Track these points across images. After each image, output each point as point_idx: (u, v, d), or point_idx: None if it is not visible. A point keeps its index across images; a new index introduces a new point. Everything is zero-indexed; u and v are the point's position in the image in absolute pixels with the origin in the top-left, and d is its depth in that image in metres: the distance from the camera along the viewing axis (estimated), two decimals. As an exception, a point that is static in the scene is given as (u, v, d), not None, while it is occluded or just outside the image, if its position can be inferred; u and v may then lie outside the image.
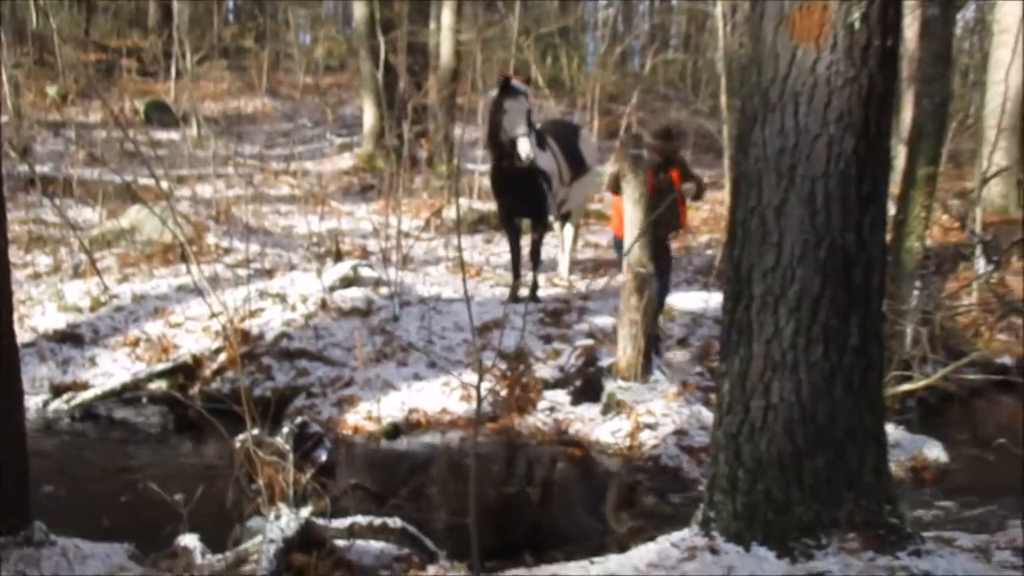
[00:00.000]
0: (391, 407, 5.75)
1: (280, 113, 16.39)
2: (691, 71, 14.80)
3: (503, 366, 6.15)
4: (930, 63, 5.53)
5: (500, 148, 6.66)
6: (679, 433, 5.25)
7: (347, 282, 6.93)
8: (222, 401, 5.58)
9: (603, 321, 6.89)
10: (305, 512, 2.76)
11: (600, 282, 8.29)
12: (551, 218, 7.41)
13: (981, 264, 7.05)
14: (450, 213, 10.40)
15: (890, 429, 5.32)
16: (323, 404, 5.84)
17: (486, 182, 12.10)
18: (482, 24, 13.09)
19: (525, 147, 6.49)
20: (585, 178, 7.61)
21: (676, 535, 2.96)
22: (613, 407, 5.66)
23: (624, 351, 5.86)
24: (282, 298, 6.74)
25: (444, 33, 13.70)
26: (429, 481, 4.95)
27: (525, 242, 7.21)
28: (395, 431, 5.59)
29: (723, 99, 12.14)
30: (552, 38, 16.00)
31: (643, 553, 2.89)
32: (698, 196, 6.43)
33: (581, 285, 8.00)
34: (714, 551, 2.77)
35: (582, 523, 4.46)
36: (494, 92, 6.74)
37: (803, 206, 2.67)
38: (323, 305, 6.69)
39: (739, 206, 2.82)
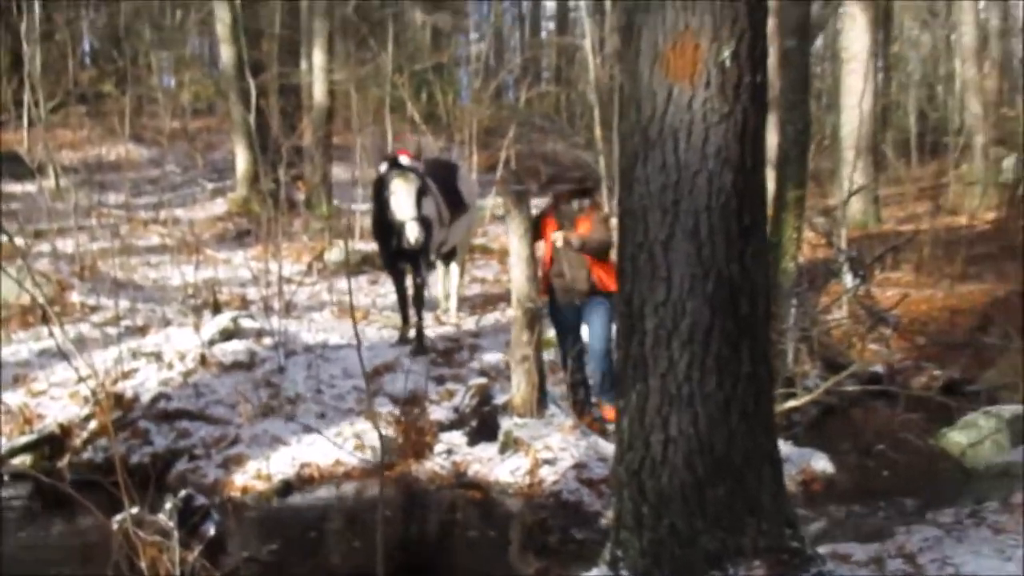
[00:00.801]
0: (281, 463, 5.50)
1: (146, 159, 15.73)
2: (565, 103, 15.11)
3: (397, 411, 6.03)
4: (790, 91, 5.80)
5: (387, 226, 6.64)
6: (578, 467, 5.23)
7: (227, 335, 6.64)
8: (94, 473, 5.33)
9: (494, 358, 6.86)
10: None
11: (489, 318, 8.27)
12: (432, 258, 7.36)
13: (848, 279, 7.42)
14: (332, 256, 10.19)
15: (779, 445, 5.51)
16: (208, 466, 5.53)
17: (367, 222, 12.01)
18: (354, 63, 12.97)
19: (413, 232, 6.45)
20: (465, 216, 7.62)
21: (585, 576, 2.92)
22: (511, 445, 5.60)
23: (518, 387, 5.83)
24: (157, 356, 6.38)
25: (316, 73, 13.53)
26: (327, 540, 4.75)
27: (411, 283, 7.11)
28: (287, 488, 5.35)
29: (597, 131, 12.49)
30: (426, 74, 16.04)
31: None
32: (593, 250, 5.65)
33: (470, 322, 7.95)
34: (625, 591, 2.74)
35: (489, 568, 4.36)
36: (383, 167, 6.64)
37: (689, 240, 2.71)
38: (203, 361, 6.38)
39: (627, 241, 2.84)
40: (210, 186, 14.80)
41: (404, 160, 6.65)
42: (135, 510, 2.89)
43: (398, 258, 6.86)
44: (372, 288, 9.60)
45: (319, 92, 13.60)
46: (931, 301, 9.06)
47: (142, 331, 6.98)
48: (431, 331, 7.40)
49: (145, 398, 6.04)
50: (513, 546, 4.65)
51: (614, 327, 5.32)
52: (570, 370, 5.72)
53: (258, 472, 5.41)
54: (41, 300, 5.64)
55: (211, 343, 6.53)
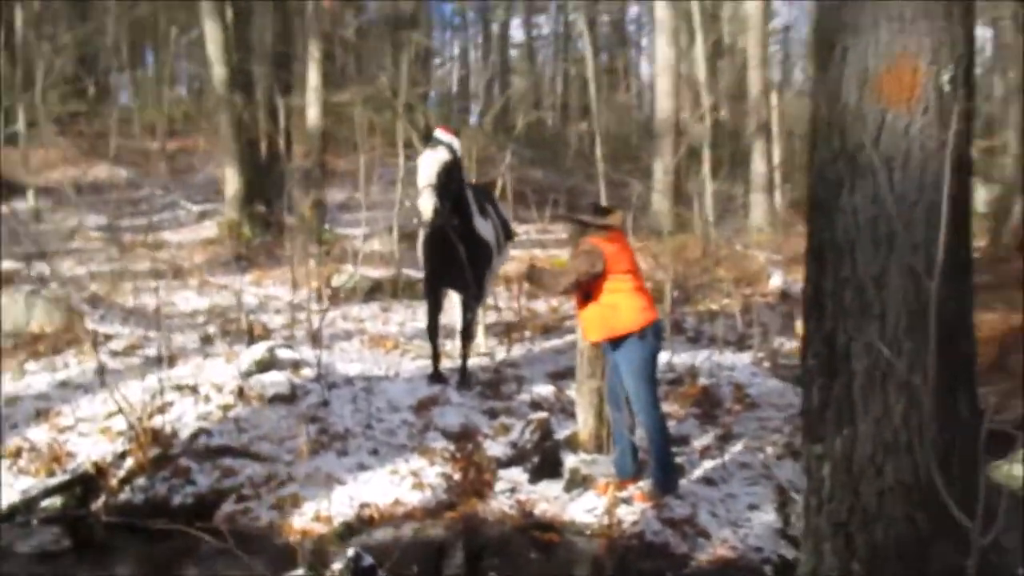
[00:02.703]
0: (339, 504, 5.17)
1: (124, 181, 15.21)
2: (559, 131, 15.05)
3: (451, 447, 5.76)
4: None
5: (428, 233, 6.23)
6: (658, 506, 5.01)
7: (264, 366, 6.28)
8: (133, 516, 4.95)
9: (544, 389, 6.61)
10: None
11: (518, 347, 8.05)
12: (488, 288, 6.95)
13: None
14: (340, 281, 9.86)
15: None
16: (259, 508, 5.17)
17: (371, 247, 11.70)
18: (353, 86, 12.73)
19: (425, 203, 5.85)
20: (508, 243, 7.31)
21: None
22: (579, 483, 5.35)
23: (585, 422, 5.60)
24: (193, 389, 6.01)
25: (310, 95, 13.24)
26: None
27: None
28: (348, 531, 5.02)
29: (599, 162, 12.41)
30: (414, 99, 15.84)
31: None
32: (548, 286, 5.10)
33: (500, 351, 7.70)
34: (837, 654, 2.53)
35: None
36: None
37: (905, 276, 2.54)
38: (240, 394, 6.02)
39: (826, 276, 2.66)
40: (195, 208, 14.35)
41: (438, 133, 6.18)
42: (300, 572, 2.60)
43: (442, 281, 6.44)
44: (387, 316, 9.29)
45: (313, 114, 13.31)
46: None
47: (170, 362, 6.59)
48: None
49: (184, 433, 5.67)
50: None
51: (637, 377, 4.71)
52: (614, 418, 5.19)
53: (317, 514, 5.07)
54: (90, 328, 5.19)
55: (247, 375, 6.18)
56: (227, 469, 5.46)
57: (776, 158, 16.15)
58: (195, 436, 5.65)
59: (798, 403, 6.56)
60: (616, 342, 4.99)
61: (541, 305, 10.21)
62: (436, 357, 6.58)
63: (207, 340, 7.35)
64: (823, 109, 2.68)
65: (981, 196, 15.57)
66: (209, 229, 13.21)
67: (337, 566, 2.62)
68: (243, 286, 10.21)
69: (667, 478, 5.00)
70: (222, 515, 5.20)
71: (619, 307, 4.88)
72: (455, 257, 6.18)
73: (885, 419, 2.54)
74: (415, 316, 9.28)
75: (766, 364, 7.53)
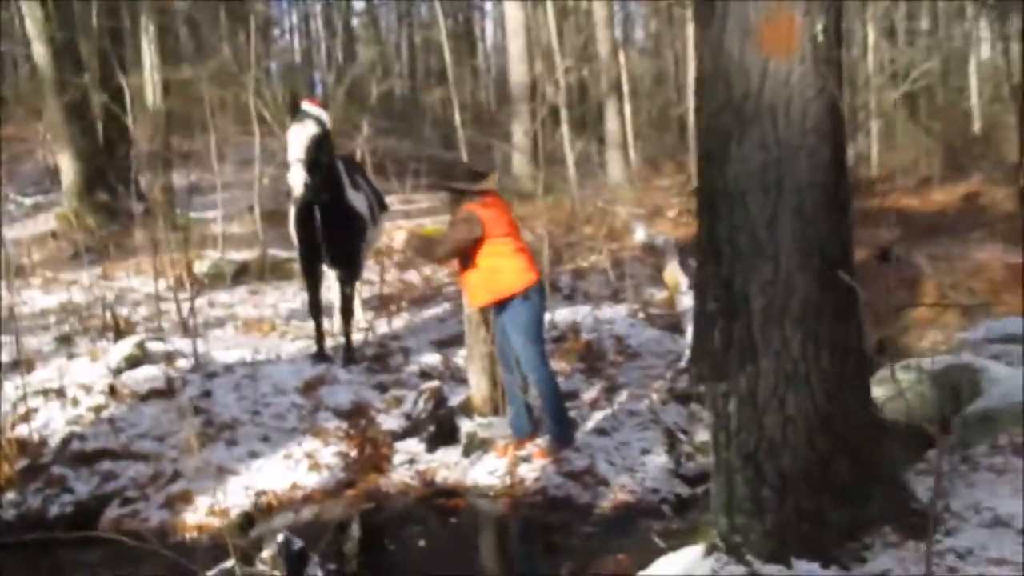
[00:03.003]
0: (234, 495, 4.99)
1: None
2: (411, 99, 14.86)
3: (344, 425, 5.68)
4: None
5: (300, 207, 6.04)
6: (557, 460, 5.13)
7: (134, 361, 5.96)
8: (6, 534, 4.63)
9: (431, 359, 6.61)
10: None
11: (399, 319, 7.99)
12: (362, 267, 6.83)
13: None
14: (202, 268, 9.43)
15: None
16: (148, 508, 4.92)
17: (229, 229, 11.23)
18: (194, 62, 12.09)
19: (295, 177, 5.73)
20: (382, 216, 7.18)
21: (701, 565, 2.84)
22: (477, 447, 5.40)
23: (478, 386, 5.64)
24: (58, 392, 5.63)
25: (148, 73, 12.50)
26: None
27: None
28: (249, 521, 4.88)
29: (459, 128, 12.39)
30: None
31: (679, 596, 2.74)
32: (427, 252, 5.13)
33: (381, 325, 7.62)
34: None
35: None
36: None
37: (794, 218, 2.69)
38: (111, 392, 5.70)
39: (721, 223, 2.78)
40: (28, 201, 13.32)
41: (306, 106, 5.98)
42: (230, 563, 2.50)
43: (318, 258, 6.25)
44: (257, 299, 8.98)
45: (153, 93, 12.58)
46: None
47: (26, 366, 6.11)
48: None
49: (54, 440, 5.32)
50: (522, 551, 4.49)
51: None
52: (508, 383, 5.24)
53: (211, 508, 4.89)
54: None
55: (117, 372, 5.85)
56: (107, 473, 5.17)
57: (628, 116, 16.60)
58: (66, 442, 5.32)
59: (676, 350, 6.88)
60: (501, 304, 5.02)
61: (414, 275, 10.14)
62: (320, 336, 6.44)
63: (65, 340, 6.87)
64: (708, 62, 2.78)
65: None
66: (46, 223, 12.30)
67: (268, 553, 2.54)
68: (94, 280, 9.62)
69: (563, 432, 5.12)
70: (107, 521, 4.92)
71: (501, 270, 4.91)
72: (329, 233, 6.07)
73: (784, 353, 2.70)
74: (286, 297, 9.03)
75: (641, 315, 7.81)
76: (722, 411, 2.83)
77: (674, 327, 7.61)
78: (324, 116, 6.00)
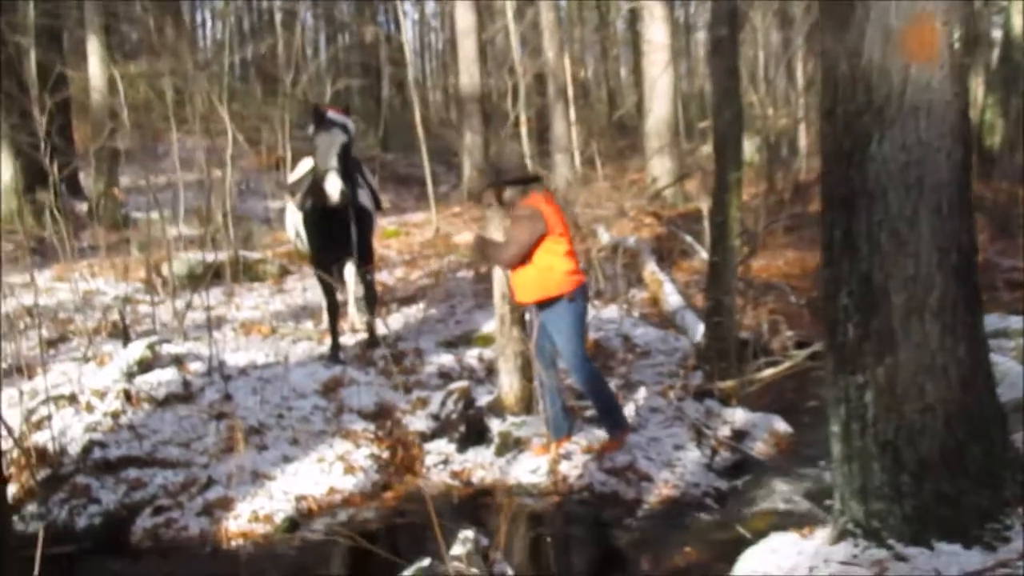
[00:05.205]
0: (276, 500, 4.90)
1: None
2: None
3: (371, 427, 5.61)
4: (724, 78, 6.15)
5: (320, 207, 6.11)
6: (598, 457, 5.19)
7: (145, 365, 5.72)
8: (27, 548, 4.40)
9: (446, 359, 6.58)
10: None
11: (393, 318, 7.91)
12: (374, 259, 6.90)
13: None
14: (174, 270, 9.07)
15: (737, 413, 5.84)
16: (184, 516, 4.77)
17: (182, 230, 10.83)
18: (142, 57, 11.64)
19: (333, 184, 5.94)
20: (379, 213, 7.19)
21: (835, 551, 2.95)
22: (511, 446, 5.43)
23: (511, 386, 5.66)
24: (71, 399, 5.36)
25: (93, 69, 11.97)
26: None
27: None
28: (294, 526, 4.78)
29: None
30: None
31: (824, 581, 2.84)
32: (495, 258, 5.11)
33: (380, 326, 7.52)
34: (901, 558, 2.82)
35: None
36: (311, 129, 6.10)
37: (933, 216, 2.83)
38: (127, 398, 5.46)
39: (858, 220, 2.90)
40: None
41: (331, 114, 6.17)
42: (427, 562, 2.45)
43: (337, 257, 6.27)
44: (235, 301, 8.73)
45: (97, 91, 12.06)
46: (768, 269, 10.03)
47: (25, 373, 5.78)
48: (349, 339, 6.92)
49: (73, 449, 5.08)
50: (591, 550, 4.53)
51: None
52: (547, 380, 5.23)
53: (254, 514, 4.77)
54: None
55: (130, 375, 5.61)
56: (134, 481, 4.99)
57: (572, 119, 16.80)
58: (87, 450, 5.10)
59: (681, 348, 7.04)
60: (545, 304, 5.05)
61: (387, 276, 10.05)
62: (335, 336, 6.37)
63: (51, 345, 6.54)
64: (843, 66, 2.89)
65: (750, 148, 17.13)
66: (-18, 224, 11.62)
67: (460, 550, 2.51)
68: (46, 283, 9.17)
69: (619, 422, 5.21)
70: (140, 531, 4.76)
71: (554, 269, 4.95)
72: (345, 231, 6.17)
73: (924, 346, 2.83)
74: (264, 298, 8.82)
75: (635, 314, 7.96)
76: (856, 402, 2.95)
77: (667, 326, 7.78)
78: (349, 124, 6.18)
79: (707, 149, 16.80)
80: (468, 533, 2.66)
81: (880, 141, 2.84)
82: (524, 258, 4.91)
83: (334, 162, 5.92)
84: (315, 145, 5.98)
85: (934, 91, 2.81)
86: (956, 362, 2.86)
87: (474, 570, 2.39)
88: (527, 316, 5.58)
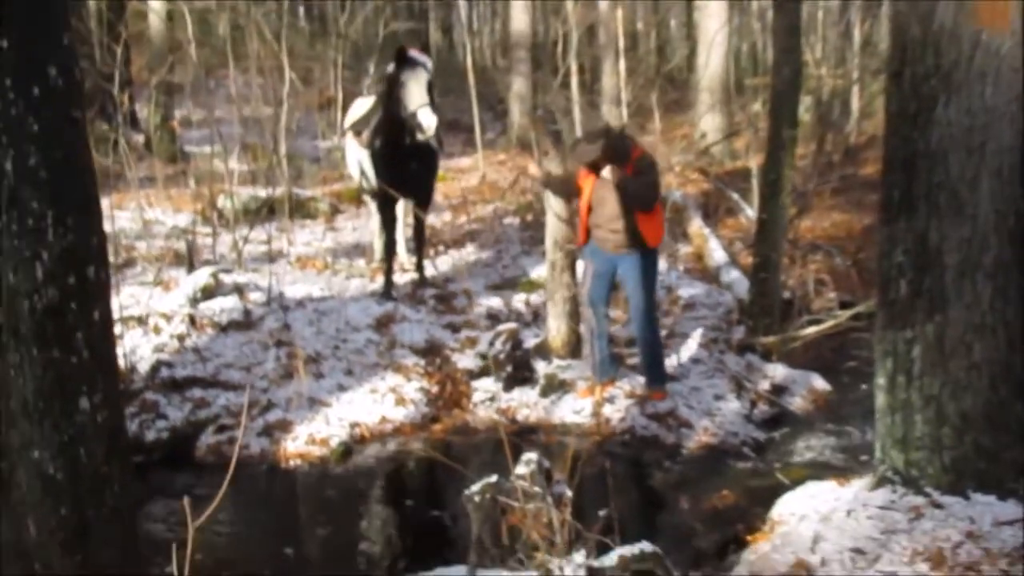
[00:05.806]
0: (332, 426, 5.16)
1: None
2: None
3: (421, 362, 5.83)
4: (784, 36, 6.14)
5: (396, 124, 6.26)
6: (641, 403, 5.38)
7: (208, 292, 5.97)
8: None
9: (494, 302, 6.76)
10: (579, 558, 2.44)
11: (441, 260, 8.10)
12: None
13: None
14: (229, 203, 9.32)
15: (777, 369, 5.96)
16: (246, 435, 5.05)
17: (233, 167, 11.04)
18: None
19: (428, 119, 6.13)
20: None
21: (873, 496, 3.11)
22: (556, 388, 5.62)
23: (558, 330, 5.83)
24: (140, 320, 5.64)
25: (153, -1, 12.13)
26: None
27: None
28: (347, 451, 5.05)
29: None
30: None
31: (862, 523, 3.00)
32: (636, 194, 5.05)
33: (429, 267, 7.70)
34: (938, 505, 2.97)
35: (650, 511, 4.49)
36: (391, 67, 6.27)
37: (994, 179, 2.92)
38: (192, 322, 5.73)
39: (918, 181, 2.99)
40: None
41: (414, 55, 6.35)
42: (495, 478, 2.66)
43: (405, 189, 6.43)
44: (289, 237, 8.94)
45: (155, 19, 12.23)
46: (814, 230, 10.02)
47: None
48: (400, 277, 7.12)
49: (143, 367, 5.36)
50: (633, 488, 4.74)
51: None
52: (597, 325, 5.38)
53: (311, 437, 5.04)
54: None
55: (194, 301, 5.87)
56: (199, 400, 5.27)
57: (623, 72, 16.69)
58: (155, 369, 5.38)
59: (724, 302, 7.14)
60: (646, 252, 5.22)
61: (434, 219, 10.20)
62: (389, 274, 6.59)
63: (119, 269, 6.81)
64: (915, 30, 2.95)
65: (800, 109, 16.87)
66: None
67: (523, 470, 2.71)
68: (105, 211, 9.45)
69: (662, 376, 5.42)
70: (204, 447, 5.05)
71: (654, 223, 5.13)
72: (419, 169, 6.44)
73: (975, 306, 2.95)
74: (317, 236, 9.04)
75: (680, 268, 8.06)
76: (904, 356, 3.08)
77: (710, 280, 7.87)
78: (429, 63, 6.35)
79: (756, 107, 16.67)
80: (531, 455, 2.85)
81: (946, 104, 2.92)
82: (648, 204, 5.05)
83: (425, 98, 6.12)
84: (401, 83, 6.12)
85: (1003, 59, 2.87)
86: (1004, 324, 2.97)
87: (537, 488, 2.59)
88: (578, 261, 5.74)
